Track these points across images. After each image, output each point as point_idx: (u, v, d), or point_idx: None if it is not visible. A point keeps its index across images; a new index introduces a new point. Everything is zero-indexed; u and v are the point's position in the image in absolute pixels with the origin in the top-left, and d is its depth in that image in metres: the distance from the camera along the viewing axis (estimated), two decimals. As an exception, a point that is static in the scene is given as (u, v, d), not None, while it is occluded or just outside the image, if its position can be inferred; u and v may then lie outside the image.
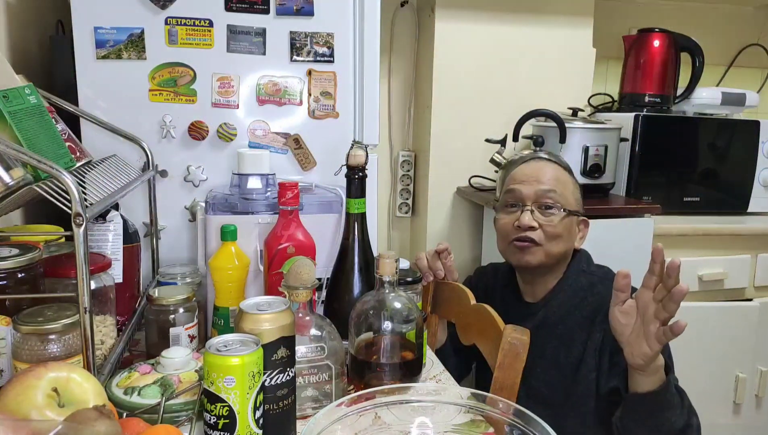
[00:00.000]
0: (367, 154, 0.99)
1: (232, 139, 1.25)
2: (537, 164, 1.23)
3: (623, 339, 0.93)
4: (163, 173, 1.24)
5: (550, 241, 1.17)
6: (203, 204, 1.13)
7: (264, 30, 1.23)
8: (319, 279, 0.94)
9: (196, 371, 0.83)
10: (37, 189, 0.69)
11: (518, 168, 1.25)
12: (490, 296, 1.32)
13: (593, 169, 1.85)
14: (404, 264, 1.13)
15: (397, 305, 0.88)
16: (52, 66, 1.31)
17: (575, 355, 1.14)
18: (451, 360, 1.30)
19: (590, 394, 1.12)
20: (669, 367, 0.97)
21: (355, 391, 0.78)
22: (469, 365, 1.39)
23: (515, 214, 1.20)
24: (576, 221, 1.22)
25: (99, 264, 0.88)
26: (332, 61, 1.27)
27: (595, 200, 1.85)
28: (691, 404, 0.99)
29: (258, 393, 0.67)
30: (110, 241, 1.00)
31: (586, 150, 1.84)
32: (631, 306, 0.92)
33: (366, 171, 1.00)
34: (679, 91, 2.11)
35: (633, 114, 1.95)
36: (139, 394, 0.78)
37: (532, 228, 1.16)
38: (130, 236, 1.05)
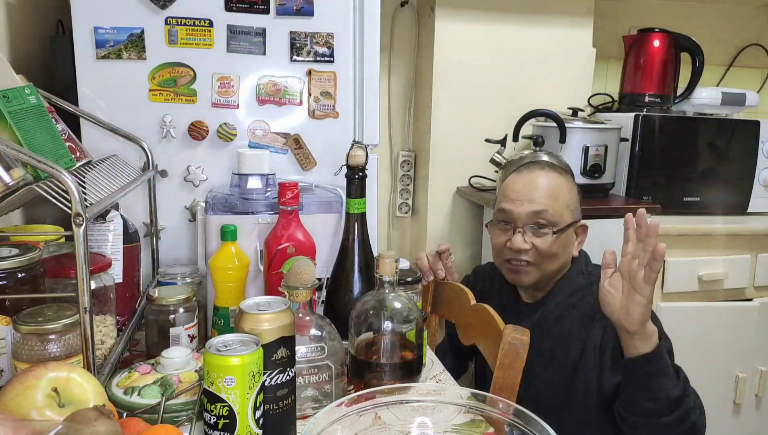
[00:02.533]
0: (367, 154, 0.99)
1: (232, 139, 1.25)
2: (530, 177, 1.19)
3: (615, 307, 0.99)
4: (163, 173, 1.24)
5: (544, 260, 1.16)
6: (203, 204, 1.13)
7: (264, 30, 1.23)
8: (319, 279, 0.94)
9: (196, 371, 0.83)
10: (37, 189, 0.69)
11: (510, 180, 1.21)
12: (487, 296, 1.32)
13: (593, 169, 1.85)
14: (404, 264, 1.13)
15: (397, 305, 0.88)
16: (52, 66, 1.31)
17: (574, 353, 1.14)
18: (448, 359, 1.30)
19: (590, 392, 1.12)
20: (662, 336, 1.02)
21: (355, 391, 0.78)
22: (465, 364, 1.40)
23: (507, 233, 1.18)
24: (572, 230, 1.20)
25: (99, 264, 0.88)
26: (332, 61, 1.27)
27: (595, 200, 1.85)
28: (687, 381, 1.02)
29: (258, 393, 0.67)
30: (110, 241, 1.00)
31: (586, 150, 1.84)
32: (618, 278, 0.99)
33: (366, 171, 1.00)
34: (679, 91, 2.11)
35: (633, 114, 1.95)
36: (139, 394, 0.78)
37: (524, 250, 1.16)
38: (130, 236, 1.05)
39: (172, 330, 0.94)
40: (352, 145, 1.00)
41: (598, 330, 1.12)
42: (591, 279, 1.19)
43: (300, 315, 0.81)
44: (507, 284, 1.30)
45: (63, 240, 0.98)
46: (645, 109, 2.02)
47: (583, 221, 1.24)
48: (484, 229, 2.08)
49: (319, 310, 1.02)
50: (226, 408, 0.65)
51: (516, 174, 1.22)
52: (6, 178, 0.69)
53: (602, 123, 1.90)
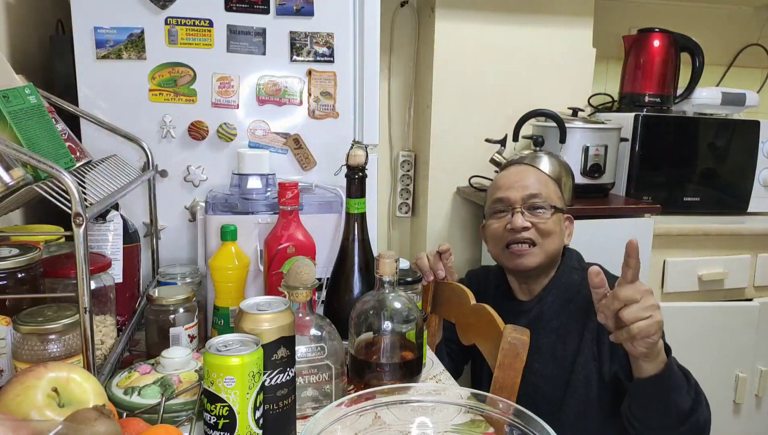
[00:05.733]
0: (367, 154, 0.99)
1: (232, 139, 1.25)
2: (518, 169, 1.27)
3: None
4: (163, 173, 1.24)
5: (545, 239, 1.19)
6: (203, 204, 1.13)
7: (264, 30, 1.23)
8: (319, 279, 0.94)
9: (196, 371, 0.83)
10: (37, 189, 0.69)
11: (500, 177, 1.29)
12: (482, 298, 1.32)
13: (593, 169, 1.85)
14: (404, 264, 1.13)
15: (397, 305, 0.88)
16: (52, 66, 1.31)
17: (572, 347, 1.15)
18: (444, 362, 1.30)
19: (589, 383, 1.12)
20: (668, 349, 0.98)
21: (355, 391, 0.78)
22: (460, 369, 1.40)
23: (505, 217, 1.22)
24: (562, 218, 1.25)
25: (99, 264, 0.88)
26: (332, 61, 1.27)
27: (595, 200, 1.85)
28: (697, 383, 1.00)
29: (258, 393, 0.67)
30: (110, 241, 1.00)
31: (586, 150, 1.84)
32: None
33: (366, 171, 1.00)
34: (679, 91, 2.11)
35: (633, 114, 1.95)
36: (139, 394, 0.78)
37: (525, 228, 1.18)
38: (130, 236, 1.05)
39: (172, 330, 0.94)
40: (352, 145, 1.00)
41: (594, 322, 1.12)
42: (584, 274, 1.19)
43: (300, 315, 0.81)
44: (502, 284, 1.31)
45: (63, 240, 0.98)
46: (645, 109, 2.02)
47: (568, 215, 1.29)
48: (484, 229, 2.08)
49: (319, 310, 1.02)
50: (226, 408, 0.65)
51: (504, 171, 1.31)
52: (6, 178, 0.69)
53: (602, 123, 1.90)
